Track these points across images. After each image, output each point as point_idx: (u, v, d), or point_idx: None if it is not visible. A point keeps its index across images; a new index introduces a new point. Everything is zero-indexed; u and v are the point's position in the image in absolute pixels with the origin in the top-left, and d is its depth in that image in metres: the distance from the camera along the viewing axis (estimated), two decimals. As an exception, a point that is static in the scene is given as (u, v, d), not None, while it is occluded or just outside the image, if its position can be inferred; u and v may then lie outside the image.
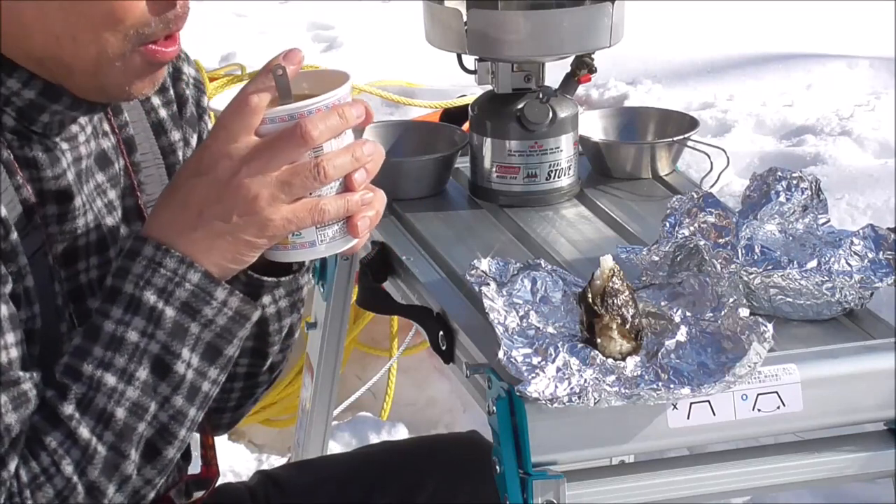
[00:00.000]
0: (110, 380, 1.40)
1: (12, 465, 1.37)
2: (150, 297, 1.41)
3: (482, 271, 1.63)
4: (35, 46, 1.44)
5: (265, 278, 1.55)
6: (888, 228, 1.68)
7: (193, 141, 1.73)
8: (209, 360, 1.44)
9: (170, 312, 1.41)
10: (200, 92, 1.75)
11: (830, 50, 4.82)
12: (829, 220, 1.76)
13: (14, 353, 1.40)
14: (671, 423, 1.50)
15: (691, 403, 1.50)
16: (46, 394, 1.41)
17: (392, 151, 2.13)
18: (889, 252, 1.67)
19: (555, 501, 1.48)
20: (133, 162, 1.64)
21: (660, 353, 1.50)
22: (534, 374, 1.47)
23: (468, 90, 3.73)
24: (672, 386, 1.47)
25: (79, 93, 1.49)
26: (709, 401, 1.50)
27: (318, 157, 1.41)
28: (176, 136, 1.70)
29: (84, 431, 1.40)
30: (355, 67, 4.48)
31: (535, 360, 1.50)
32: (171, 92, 1.71)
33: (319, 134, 1.39)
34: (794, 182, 1.76)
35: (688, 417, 1.50)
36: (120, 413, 1.40)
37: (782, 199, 1.75)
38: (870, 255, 1.67)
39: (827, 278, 1.64)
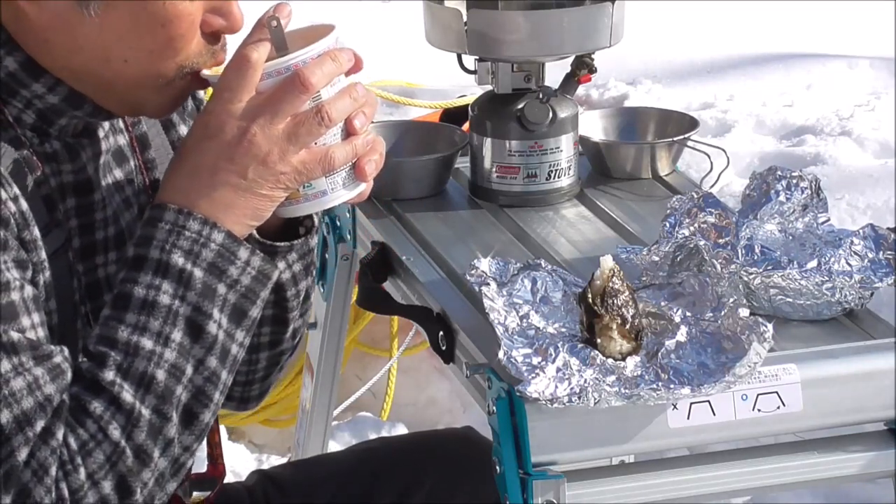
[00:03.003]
0: (147, 343, 1.41)
1: (60, 434, 1.38)
2: (178, 259, 1.43)
3: (482, 271, 1.63)
4: (80, 61, 1.46)
5: (278, 244, 1.57)
6: (888, 228, 1.68)
7: None
8: (236, 321, 1.46)
9: (198, 273, 1.43)
10: None
11: (830, 50, 4.82)
12: (829, 219, 1.76)
13: (41, 331, 1.41)
14: (671, 423, 1.50)
15: (691, 403, 1.50)
16: (83, 365, 1.42)
17: (392, 151, 2.13)
18: (889, 252, 1.67)
19: (555, 501, 1.48)
20: (147, 159, 1.66)
21: (660, 354, 1.50)
22: (534, 375, 1.47)
23: (468, 90, 3.73)
24: (672, 386, 1.47)
25: (108, 106, 1.51)
26: (709, 401, 1.50)
27: (319, 105, 1.44)
28: (183, 129, 1.72)
29: (127, 396, 1.40)
30: (355, 67, 4.48)
31: (535, 360, 1.50)
32: None
33: (318, 80, 1.43)
34: (794, 181, 1.76)
35: (688, 417, 1.50)
36: (160, 375, 1.41)
37: (782, 198, 1.75)
38: (870, 255, 1.66)
39: (827, 278, 1.64)
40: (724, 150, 2.10)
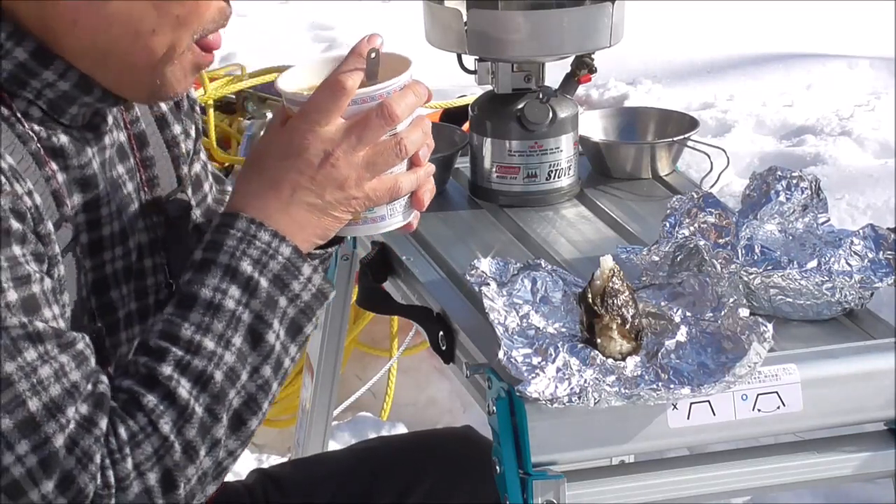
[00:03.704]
0: (209, 344, 1.44)
1: (103, 424, 1.39)
2: (247, 267, 1.46)
3: (482, 271, 1.63)
4: (108, 40, 1.47)
5: (316, 251, 1.58)
6: (888, 228, 1.68)
7: (192, 132, 1.75)
8: (292, 335, 1.49)
9: (264, 283, 1.46)
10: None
11: (830, 50, 4.82)
12: (828, 220, 1.76)
13: (61, 322, 1.43)
14: (671, 423, 1.50)
15: (691, 403, 1.50)
16: (140, 359, 1.44)
17: (392, 151, 2.13)
18: (889, 252, 1.67)
19: (555, 501, 1.48)
20: (146, 157, 1.66)
21: (660, 354, 1.50)
22: (534, 375, 1.47)
23: (468, 90, 3.73)
24: (672, 386, 1.47)
25: (126, 90, 1.53)
26: (709, 401, 1.50)
27: (395, 135, 1.49)
28: (177, 129, 1.73)
29: (183, 391, 1.42)
30: (355, 67, 4.48)
31: (535, 361, 1.50)
32: None
33: (401, 112, 1.49)
34: (794, 181, 1.76)
35: (688, 417, 1.50)
36: (218, 376, 1.43)
37: (782, 198, 1.75)
38: (870, 255, 1.67)
39: (827, 278, 1.64)
40: (724, 150, 2.11)
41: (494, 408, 1.51)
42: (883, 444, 1.58)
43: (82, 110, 1.52)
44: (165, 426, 1.41)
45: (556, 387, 1.46)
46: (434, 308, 1.75)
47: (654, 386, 1.46)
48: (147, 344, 1.45)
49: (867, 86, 4.52)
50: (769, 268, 1.65)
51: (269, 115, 3.57)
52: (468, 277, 1.64)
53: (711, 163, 2.08)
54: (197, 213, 1.80)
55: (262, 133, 3.36)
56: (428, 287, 1.79)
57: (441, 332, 1.71)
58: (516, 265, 1.66)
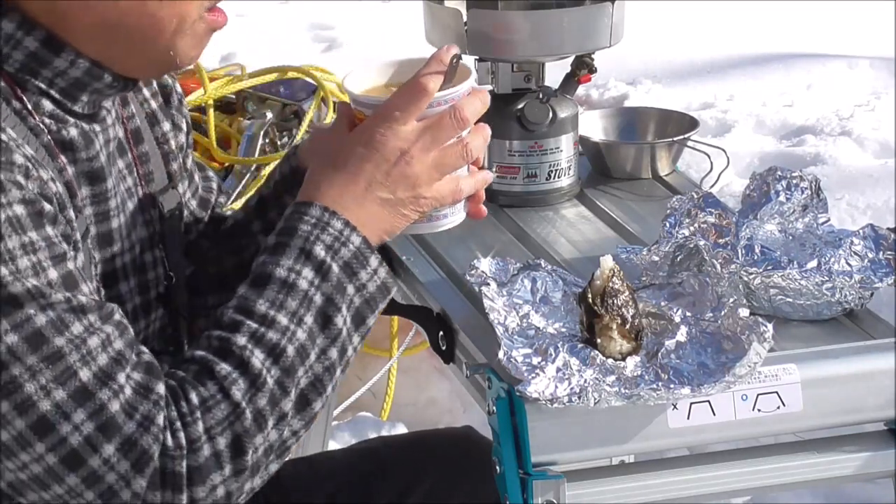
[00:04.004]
0: (283, 319, 1.47)
1: (159, 388, 1.42)
2: (320, 251, 1.50)
3: (482, 271, 1.63)
4: (116, 16, 1.48)
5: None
6: (888, 228, 1.68)
7: (184, 125, 1.76)
8: (356, 324, 1.52)
9: (335, 268, 1.50)
10: (175, 80, 1.81)
11: (830, 50, 4.82)
12: (829, 220, 1.76)
13: (96, 295, 1.47)
14: (671, 423, 1.50)
15: (691, 403, 1.50)
16: (214, 333, 1.47)
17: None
18: (889, 252, 1.67)
19: (555, 501, 1.48)
20: (142, 153, 1.69)
21: (660, 354, 1.50)
22: (534, 375, 1.47)
23: (468, 90, 3.73)
24: (672, 386, 1.47)
25: (137, 67, 1.55)
26: (709, 401, 1.50)
27: (460, 139, 1.56)
28: (167, 126, 1.75)
29: (256, 361, 1.45)
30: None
31: (535, 361, 1.50)
32: (155, 83, 1.76)
33: (470, 116, 1.56)
34: (794, 181, 1.76)
35: (688, 417, 1.50)
36: (290, 350, 1.46)
37: (782, 198, 1.75)
38: (870, 255, 1.66)
39: (827, 278, 1.64)
40: (724, 150, 2.10)
41: (494, 408, 1.51)
42: (883, 444, 1.58)
43: (93, 97, 1.54)
44: (237, 393, 1.43)
45: (556, 387, 1.46)
46: (434, 308, 1.75)
47: (654, 386, 1.46)
48: (221, 319, 1.48)
49: (867, 86, 4.52)
50: (769, 268, 1.65)
51: (269, 114, 3.57)
52: (468, 277, 1.64)
53: (711, 163, 2.08)
54: (193, 204, 1.82)
55: (309, 132, 3.34)
56: (428, 287, 1.79)
57: (441, 332, 1.71)
58: (516, 265, 1.66)
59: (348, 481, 1.96)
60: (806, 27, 5.11)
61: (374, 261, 1.53)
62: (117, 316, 1.44)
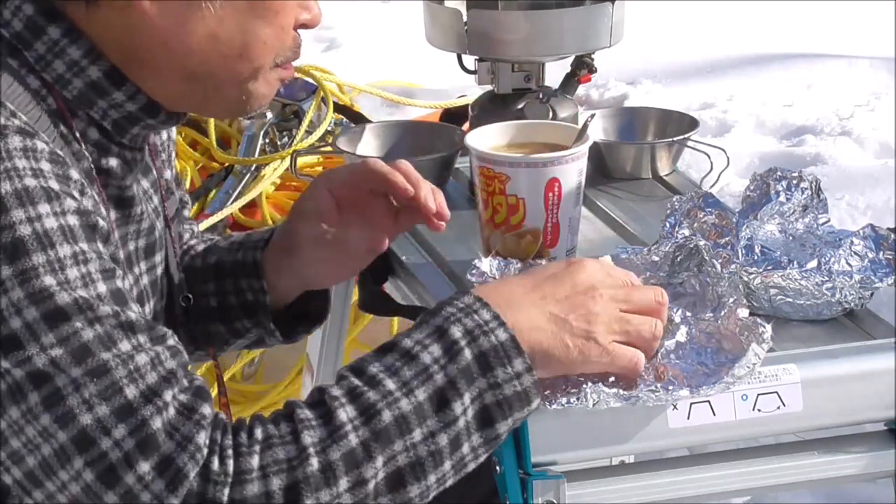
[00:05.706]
0: (390, 384, 1.38)
1: (205, 410, 1.35)
2: (456, 332, 1.41)
3: (482, 271, 1.63)
4: (196, 62, 1.48)
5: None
6: (888, 228, 1.68)
7: (172, 133, 1.75)
8: (478, 423, 1.41)
9: (468, 353, 1.40)
10: None
11: (830, 50, 4.82)
12: (829, 220, 1.76)
13: (147, 318, 1.42)
14: (671, 423, 1.50)
15: (691, 404, 1.50)
16: (322, 385, 1.40)
17: (392, 151, 2.13)
18: (889, 252, 1.67)
19: (555, 501, 1.48)
20: (160, 166, 1.68)
21: (659, 354, 1.50)
22: (534, 375, 1.47)
23: (468, 90, 3.73)
24: (671, 387, 1.46)
25: (213, 108, 1.58)
26: (709, 401, 1.50)
27: (656, 311, 1.48)
28: (164, 135, 1.72)
29: (342, 414, 1.36)
30: (355, 67, 4.49)
31: (535, 361, 1.49)
32: None
33: (667, 301, 1.50)
34: (794, 182, 1.76)
35: (688, 418, 1.50)
36: (386, 416, 1.37)
37: (782, 198, 1.75)
38: (870, 255, 1.66)
39: (827, 278, 1.64)
40: (724, 150, 2.10)
41: (494, 408, 1.51)
42: (883, 444, 1.58)
43: (143, 132, 1.54)
44: (308, 438, 1.35)
45: (556, 387, 1.46)
46: (434, 308, 1.75)
47: (653, 387, 1.46)
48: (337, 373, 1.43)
49: (867, 86, 4.52)
50: (769, 268, 1.65)
51: (269, 114, 3.57)
52: (468, 277, 1.64)
53: (711, 163, 2.08)
54: (186, 213, 1.81)
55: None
56: (428, 287, 1.79)
57: (441, 333, 1.71)
58: (516, 265, 1.66)
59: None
60: (806, 27, 5.12)
61: (519, 364, 1.40)
62: (171, 341, 1.39)
